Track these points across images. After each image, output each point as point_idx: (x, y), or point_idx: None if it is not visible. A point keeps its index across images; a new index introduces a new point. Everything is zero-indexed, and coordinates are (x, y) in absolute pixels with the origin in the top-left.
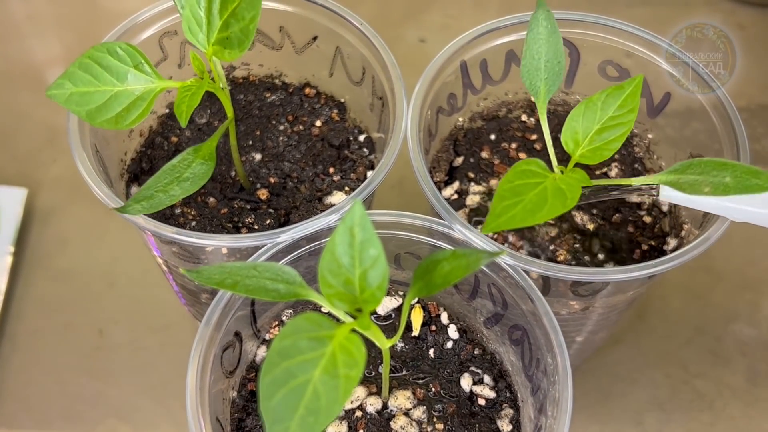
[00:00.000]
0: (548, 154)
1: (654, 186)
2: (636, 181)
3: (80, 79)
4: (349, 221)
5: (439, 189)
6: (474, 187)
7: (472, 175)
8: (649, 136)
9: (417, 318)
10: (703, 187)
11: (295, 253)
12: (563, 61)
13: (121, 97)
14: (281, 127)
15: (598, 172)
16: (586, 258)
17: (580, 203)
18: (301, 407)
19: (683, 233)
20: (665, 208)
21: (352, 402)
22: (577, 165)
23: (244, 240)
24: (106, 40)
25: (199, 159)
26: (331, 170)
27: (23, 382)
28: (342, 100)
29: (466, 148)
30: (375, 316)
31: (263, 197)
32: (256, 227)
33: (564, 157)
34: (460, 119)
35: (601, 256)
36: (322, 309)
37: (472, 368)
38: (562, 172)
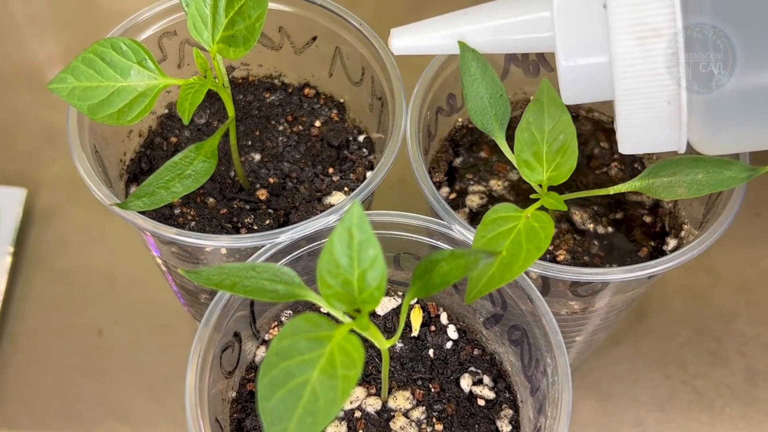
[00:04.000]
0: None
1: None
2: (613, 190)
3: (83, 74)
4: (348, 222)
5: (439, 189)
6: (473, 188)
7: (471, 175)
8: None
9: (416, 318)
10: (677, 188)
11: (294, 254)
12: (505, 93)
13: (123, 92)
14: (281, 128)
15: (598, 172)
16: (586, 258)
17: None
18: (299, 408)
19: (683, 233)
20: (665, 208)
21: (351, 402)
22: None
23: (243, 240)
24: None
25: (201, 156)
26: (331, 170)
27: (23, 382)
28: (341, 101)
29: (465, 149)
30: (374, 316)
31: (263, 197)
32: (255, 228)
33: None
34: (460, 119)
35: (600, 257)
36: (321, 309)
37: (472, 368)
38: (537, 200)
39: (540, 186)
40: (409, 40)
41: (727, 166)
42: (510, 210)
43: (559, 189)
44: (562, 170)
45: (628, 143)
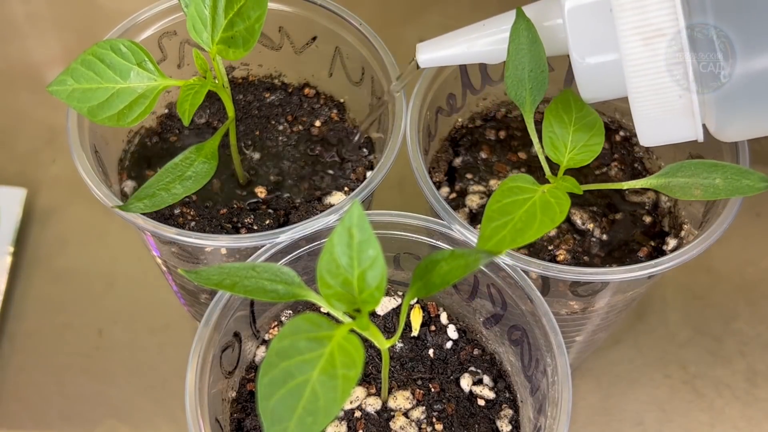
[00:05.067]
0: (545, 160)
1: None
2: (627, 185)
3: (82, 76)
4: (348, 222)
5: (439, 189)
6: (473, 187)
7: (471, 175)
8: None
9: (416, 318)
10: (693, 189)
11: (294, 254)
12: (546, 70)
13: (123, 94)
14: (281, 127)
15: (598, 173)
16: (586, 258)
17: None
18: (299, 408)
19: (683, 233)
20: (665, 208)
21: (351, 402)
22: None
23: (243, 240)
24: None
25: (202, 158)
26: (331, 170)
27: (23, 382)
28: (341, 101)
29: (465, 148)
30: (374, 316)
31: (262, 197)
32: (255, 228)
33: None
34: (460, 119)
35: (600, 257)
36: (321, 309)
37: (472, 368)
38: (551, 182)
39: (556, 169)
40: (434, 53)
41: (746, 174)
42: (528, 181)
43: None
44: (585, 155)
45: (647, 137)
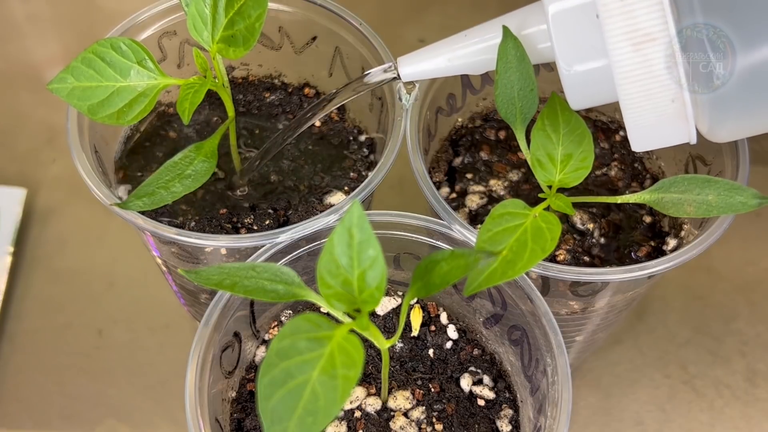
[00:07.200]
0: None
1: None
2: (621, 199)
3: (83, 74)
4: (348, 222)
5: (439, 189)
6: (473, 188)
7: (471, 175)
8: None
9: (416, 318)
10: (686, 206)
11: (294, 254)
12: (536, 88)
13: (123, 92)
14: (281, 127)
15: (598, 173)
16: (586, 258)
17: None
18: (299, 408)
19: (683, 233)
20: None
21: (351, 402)
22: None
23: (243, 240)
24: None
25: (201, 156)
26: (331, 170)
27: (22, 382)
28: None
29: (465, 148)
30: (374, 316)
31: (262, 197)
32: (255, 228)
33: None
34: (460, 119)
35: (600, 257)
36: (321, 309)
37: (472, 368)
38: (545, 197)
39: (549, 187)
40: (415, 66)
41: (739, 191)
42: (519, 207)
43: (562, 189)
44: (576, 175)
45: (639, 143)
